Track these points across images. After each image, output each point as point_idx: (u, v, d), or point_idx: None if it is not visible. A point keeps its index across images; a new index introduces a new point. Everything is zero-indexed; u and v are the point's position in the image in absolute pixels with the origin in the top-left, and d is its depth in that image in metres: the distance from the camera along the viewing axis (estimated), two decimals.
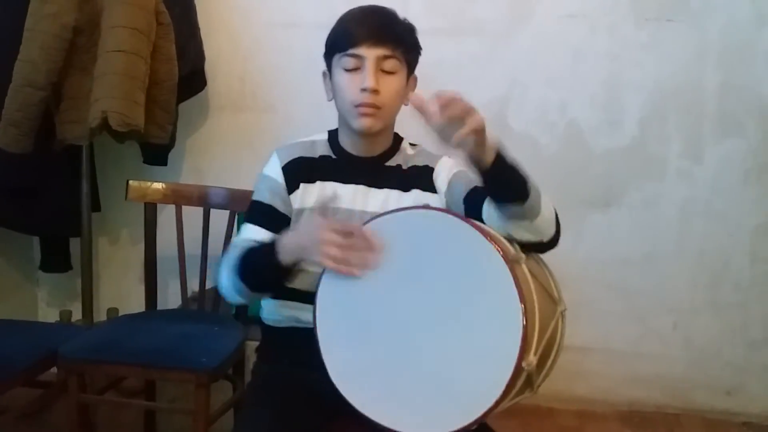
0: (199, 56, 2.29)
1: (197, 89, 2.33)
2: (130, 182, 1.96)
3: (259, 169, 1.39)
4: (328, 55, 1.33)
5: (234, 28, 2.40)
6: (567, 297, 1.25)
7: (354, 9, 1.33)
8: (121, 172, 2.29)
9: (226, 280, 1.29)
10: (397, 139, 1.41)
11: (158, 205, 1.99)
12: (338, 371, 1.14)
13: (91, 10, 1.99)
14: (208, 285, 1.97)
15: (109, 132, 2.06)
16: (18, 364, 1.62)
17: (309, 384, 1.24)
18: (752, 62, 2.29)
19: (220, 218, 1.93)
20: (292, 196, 1.35)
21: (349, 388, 1.13)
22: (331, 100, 1.35)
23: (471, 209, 1.27)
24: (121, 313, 2.32)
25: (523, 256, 1.13)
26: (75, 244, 2.38)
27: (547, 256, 1.29)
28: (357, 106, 1.28)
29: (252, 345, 1.53)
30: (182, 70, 2.17)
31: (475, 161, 1.11)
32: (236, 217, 1.93)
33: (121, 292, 2.54)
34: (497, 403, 1.02)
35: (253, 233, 1.32)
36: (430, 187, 1.36)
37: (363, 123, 1.29)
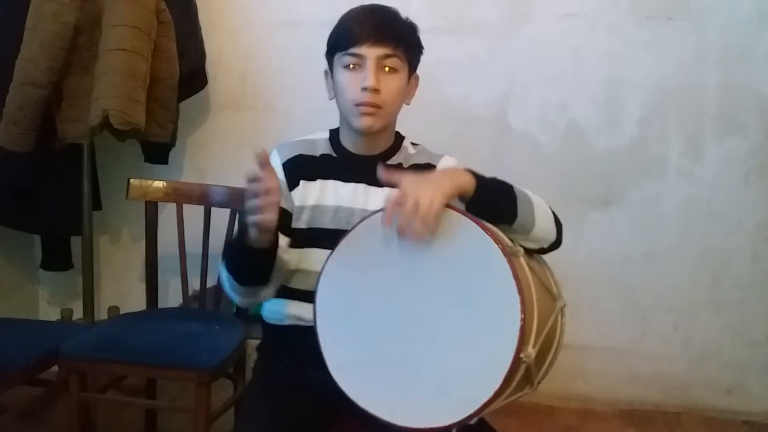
0: (200, 55, 2.29)
1: (198, 88, 2.33)
2: (131, 181, 1.97)
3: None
4: (330, 54, 1.33)
5: (235, 26, 2.41)
6: (567, 296, 1.25)
7: (355, 8, 1.33)
8: (122, 171, 2.30)
9: (223, 277, 1.29)
10: (399, 138, 1.41)
11: (159, 204, 1.99)
12: (337, 366, 1.15)
13: (91, 9, 1.99)
14: (209, 283, 1.97)
15: (110, 130, 2.06)
16: (19, 363, 1.62)
17: (310, 382, 1.24)
18: (752, 61, 2.29)
19: (221, 217, 1.93)
20: (293, 193, 1.35)
21: (348, 383, 1.13)
22: (332, 98, 1.36)
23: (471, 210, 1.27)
24: (122, 312, 2.33)
25: (521, 249, 1.14)
26: (76, 243, 2.38)
27: (547, 255, 1.30)
28: (357, 105, 1.28)
29: (253, 343, 1.54)
30: (183, 68, 2.17)
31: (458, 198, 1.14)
32: (237, 215, 1.93)
33: (122, 290, 2.54)
34: (496, 395, 1.02)
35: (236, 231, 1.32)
36: None
37: (363, 122, 1.29)
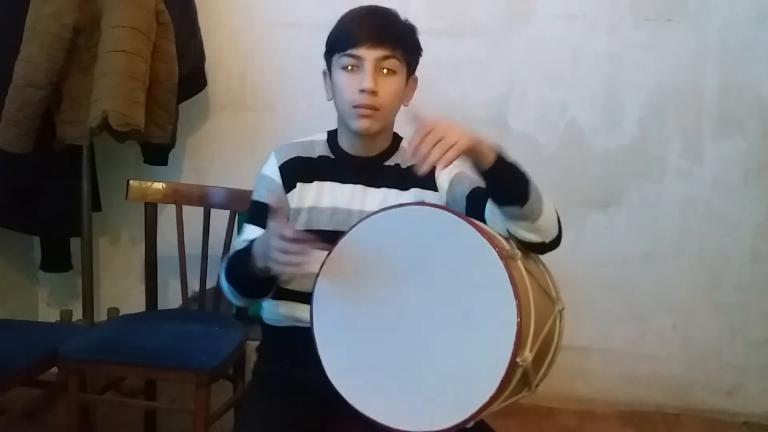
0: (200, 56, 2.29)
1: (197, 89, 2.33)
2: (131, 182, 1.97)
3: (259, 169, 1.40)
4: (328, 55, 1.33)
5: (234, 27, 2.41)
6: (566, 297, 1.25)
7: (354, 9, 1.33)
8: (122, 172, 2.29)
9: (223, 283, 1.31)
10: (396, 139, 1.41)
11: (159, 205, 1.99)
12: (335, 369, 1.15)
13: (91, 10, 1.99)
14: (209, 285, 1.97)
15: (110, 132, 2.06)
16: (18, 364, 1.62)
17: (310, 383, 1.24)
18: (752, 62, 2.29)
19: (220, 218, 1.93)
20: (289, 195, 1.35)
21: (345, 386, 1.13)
22: (330, 99, 1.35)
23: (473, 208, 1.27)
24: (121, 313, 2.32)
25: (518, 252, 1.13)
26: (75, 244, 2.38)
27: (546, 256, 1.29)
28: (355, 107, 1.28)
29: (252, 345, 1.54)
30: (182, 69, 2.17)
31: (475, 165, 1.12)
32: (236, 216, 1.93)
33: (121, 291, 2.54)
34: (492, 399, 1.02)
35: (252, 234, 1.31)
36: (430, 185, 1.36)
37: (361, 124, 1.29)
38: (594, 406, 2.43)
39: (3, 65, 1.96)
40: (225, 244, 1.89)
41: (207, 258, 1.95)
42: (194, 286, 2.01)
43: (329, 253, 1.17)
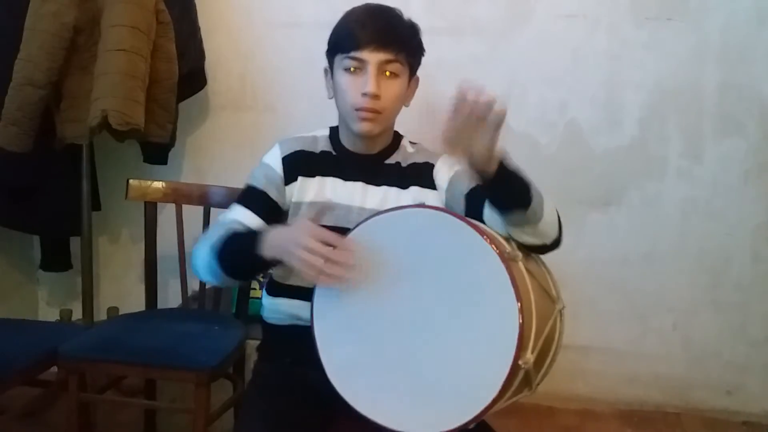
0: (200, 55, 2.29)
1: (197, 88, 2.33)
2: (131, 181, 1.97)
3: (261, 157, 1.40)
4: (330, 54, 1.33)
5: (234, 27, 2.40)
6: (567, 296, 1.25)
7: (358, 8, 1.32)
8: (122, 171, 2.29)
9: (201, 258, 1.27)
10: (397, 137, 1.41)
11: (158, 204, 1.99)
12: (335, 369, 1.15)
13: (91, 9, 1.99)
14: (209, 284, 1.97)
15: (109, 131, 2.06)
16: (18, 363, 1.62)
17: (310, 382, 1.24)
18: (752, 61, 2.29)
19: None
20: (289, 188, 1.35)
21: (345, 386, 1.13)
22: (331, 98, 1.35)
23: (472, 207, 1.27)
24: (121, 312, 2.33)
25: (519, 254, 1.13)
26: (75, 243, 2.38)
27: (546, 256, 1.29)
28: (357, 110, 1.28)
29: (252, 344, 1.54)
30: (182, 69, 2.17)
31: (479, 170, 1.10)
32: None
33: (121, 291, 2.54)
34: (494, 401, 1.02)
35: (241, 215, 1.32)
36: (429, 184, 1.36)
37: (363, 127, 1.29)
38: (594, 405, 2.43)
39: (3, 64, 1.96)
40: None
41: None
42: (194, 285, 2.01)
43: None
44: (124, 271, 2.56)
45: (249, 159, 2.23)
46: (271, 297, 1.38)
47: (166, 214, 2.08)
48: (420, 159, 1.39)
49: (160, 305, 2.02)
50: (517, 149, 2.40)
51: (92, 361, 1.63)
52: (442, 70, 2.24)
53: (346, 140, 1.38)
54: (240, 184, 1.89)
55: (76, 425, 1.64)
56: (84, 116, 2.00)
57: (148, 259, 1.97)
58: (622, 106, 2.34)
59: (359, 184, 1.35)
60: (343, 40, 1.29)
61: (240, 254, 1.23)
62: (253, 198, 1.34)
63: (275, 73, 2.41)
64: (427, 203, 1.30)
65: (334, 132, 1.41)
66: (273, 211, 1.33)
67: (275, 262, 1.18)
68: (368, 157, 1.37)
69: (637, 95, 2.33)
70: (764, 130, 2.31)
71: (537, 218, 1.17)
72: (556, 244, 1.25)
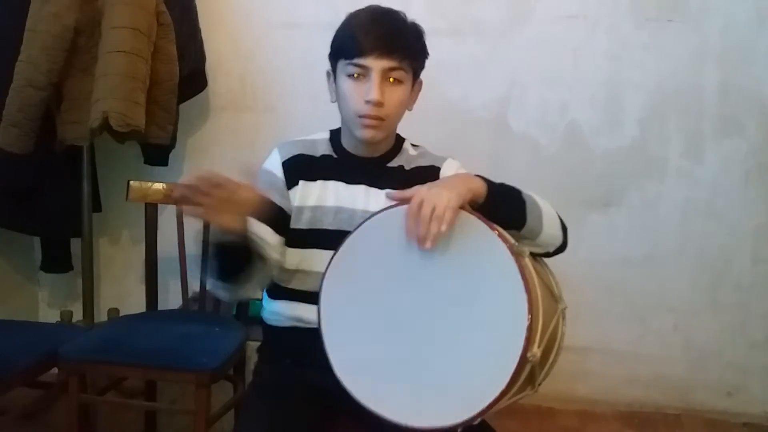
0: (200, 56, 2.29)
1: (198, 89, 2.33)
2: (131, 183, 1.97)
3: (261, 164, 1.39)
4: (333, 59, 1.32)
5: (235, 28, 2.41)
6: (567, 297, 1.25)
7: (362, 12, 1.30)
8: (122, 173, 2.29)
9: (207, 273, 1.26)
10: (399, 140, 1.41)
11: (159, 206, 1.99)
12: (343, 366, 1.14)
13: (91, 11, 1.99)
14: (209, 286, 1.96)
15: (110, 132, 2.06)
16: (18, 365, 1.62)
17: (311, 384, 1.24)
18: (752, 62, 2.29)
19: None
20: (291, 192, 1.34)
21: (353, 383, 1.13)
22: (334, 101, 1.35)
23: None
24: (121, 314, 2.32)
25: (525, 250, 1.13)
26: (76, 245, 2.38)
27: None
28: (361, 117, 1.27)
29: (253, 345, 1.54)
30: (183, 70, 2.17)
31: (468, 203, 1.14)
32: None
33: (121, 292, 2.54)
34: (502, 394, 1.02)
35: None
36: None
37: (366, 134, 1.28)
38: (594, 406, 2.43)
39: (3, 66, 1.96)
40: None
41: (207, 258, 1.94)
42: (194, 286, 2.01)
43: (335, 253, 1.16)
44: (124, 272, 2.56)
45: (249, 160, 2.23)
46: (271, 299, 1.38)
47: (167, 215, 2.08)
48: (424, 162, 1.38)
49: (161, 307, 2.02)
50: (517, 150, 2.43)
51: (93, 362, 1.63)
52: (442, 72, 2.26)
53: (347, 143, 1.37)
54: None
55: (76, 427, 1.64)
56: (85, 118, 2.00)
57: (149, 260, 1.97)
58: (622, 106, 2.34)
59: (362, 187, 1.34)
60: (347, 46, 1.27)
61: (214, 251, 1.20)
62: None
63: (275, 73, 2.41)
64: None
65: (334, 135, 1.40)
66: (283, 220, 1.32)
67: (229, 241, 1.15)
68: (370, 161, 1.36)
69: (637, 96, 2.33)
70: (764, 130, 2.31)
71: (534, 234, 1.19)
72: (560, 250, 1.27)
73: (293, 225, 1.33)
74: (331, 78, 1.34)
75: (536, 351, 1.05)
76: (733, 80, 2.30)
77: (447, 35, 2.32)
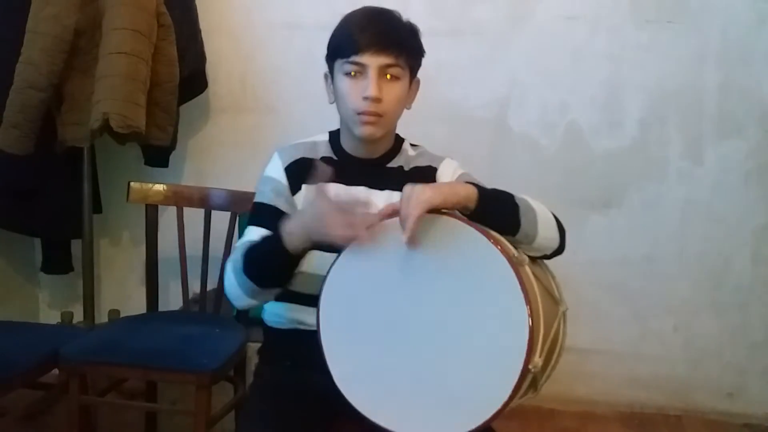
0: (200, 58, 2.29)
1: (198, 91, 2.33)
2: (132, 184, 1.97)
3: (261, 171, 1.39)
4: (330, 59, 1.32)
5: (235, 29, 2.41)
6: (567, 298, 1.25)
7: (357, 12, 1.31)
8: (123, 174, 2.29)
9: (232, 282, 1.26)
10: (399, 141, 1.41)
11: (159, 207, 1.99)
12: (342, 375, 1.14)
13: (92, 12, 1.99)
14: (210, 286, 1.97)
15: (110, 134, 2.06)
16: (19, 366, 1.62)
17: (311, 386, 1.24)
18: (752, 63, 2.29)
19: (221, 220, 1.93)
20: (296, 197, 1.35)
21: (353, 393, 1.12)
22: (332, 102, 1.35)
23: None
24: (122, 315, 2.32)
25: (526, 258, 1.13)
26: (76, 246, 2.38)
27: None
28: (359, 113, 1.27)
29: (253, 347, 1.54)
30: (183, 71, 2.17)
31: (459, 210, 1.14)
32: (237, 218, 1.93)
33: (122, 293, 2.54)
34: (504, 406, 1.01)
35: (257, 235, 1.30)
36: None
37: (365, 131, 1.29)
38: (595, 407, 2.43)
39: (4, 67, 1.96)
40: (226, 246, 1.89)
41: (208, 260, 1.95)
42: (195, 287, 2.01)
43: (336, 259, 1.16)
44: (125, 273, 2.56)
45: (250, 161, 2.24)
46: (272, 301, 1.38)
47: (167, 216, 2.08)
48: (423, 162, 1.39)
49: (161, 308, 2.02)
50: (517, 151, 2.43)
51: (93, 363, 1.63)
52: (442, 72, 2.27)
53: (347, 145, 1.37)
54: (241, 186, 1.91)
55: (77, 428, 1.64)
56: (85, 119, 2.00)
57: (149, 261, 1.97)
58: (622, 107, 2.34)
59: (362, 189, 1.34)
60: (343, 45, 1.28)
61: (266, 257, 1.21)
62: (264, 215, 1.32)
63: (276, 74, 2.41)
64: None
65: (334, 136, 1.40)
66: None
67: (304, 252, 1.18)
68: (370, 162, 1.37)
69: (637, 96, 2.33)
70: (764, 131, 2.31)
71: (530, 239, 1.19)
72: (558, 252, 1.27)
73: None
74: (329, 80, 1.34)
75: (538, 361, 1.05)
76: (733, 80, 2.30)
77: (447, 35, 2.32)
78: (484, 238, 1.06)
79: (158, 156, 2.35)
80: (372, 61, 1.25)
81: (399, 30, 1.29)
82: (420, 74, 1.37)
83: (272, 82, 2.42)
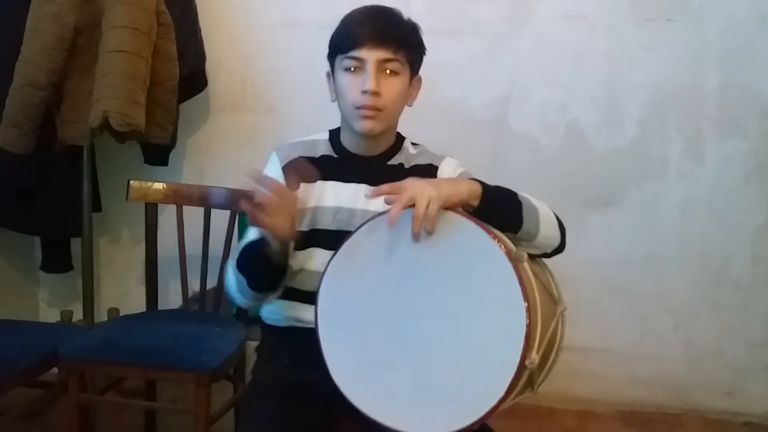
0: (200, 56, 2.29)
1: (198, 89, 2.33)
2: (131, 182, 1.97)
3: (260, 169, 1.39)
4: (331, 57, 1.33)
5: (235, 28, 2.41)
6: (567, 297, 1.25)
7: (357, 10, 1.32)
8: (122, 173, 2.29)
9: (231, 281, 1.30)
10: (399, 139, 1.41)
11: (159, 206, 1.99)
12: (340, 371, 1.14)
13: (92, 11, 1.99)
14: (209, 285, 1.97)
15: (110, 132, 2.06)
16: (18, 365, 1.62)
17: (310, 384, 1.24)
18: (752, 62, 2.29)
19: (220, 218, 1.93)
20: None
21: (351, 388, 1.13)
22: (334, 101, 1.35)
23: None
24: (121, 314, 2.33)
25: (524, 254, 1.13)
26: (76, 245, 2.38)
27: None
28: (358, 108, 1.28)
29: (252, 345, 1.53)
30: (183, 70, 2.17)
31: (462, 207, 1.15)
32: (237, 217, 1.93)
33: (121, 292, 2.54)
34: (500, 401, 1.02)
35: (257, 236, 1.31)
36: None
37: (364, 125, 1.29)
38: (594, 406, 2.43)
39: (4, 66, 1.96)
40: (225, 245, 1.89)
41: (207, 258, 1.95)
42: (194, 286, 2.01)
43: (334, 254, 1.16)
44: (124, 272, 2.56)
45: (249, 159, 2.24)
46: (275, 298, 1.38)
47: (167, 215, 2.08)
48: (423, 161, 1.39)
49: (161, 306, 2.02)
50: (518, 151, 2.43)
51: (93, 362, 1.63)
52: (442, 72, 2.27)
53: (347, 142, 1.38)
54: (241, 185, 1.90)
55: (76, 426, 1.64)
56: (85, 117, 2.00)
57: (149, 260, 1.97)
58: (622, 106, 2.34)
59: (362, 186, 1.34)
60: (342, 41, 1.29)
61: (255, 258, 1.24)
62: None
63: (275, 74, 2.41)
64: None
65: (334, 134, 1.40)
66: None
67: (284, 255, 1.21)
68: (370, 159, 1.37)
69: (637, 96, 2.33)
70: (765, 130, 2.31)
71: (531, 236, 1.19)
72: (558, 250, 1.27)
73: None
74: (330, 78, 1.35)
75: (535, 357, 1.05)
76: (733, 80, 2.30)
77: (447, 35, 2.32)
78: (484, 233, 1.06)
79: (158, 154, 2.35)
80: (370, 55, 1.26)
81: (398, 25, 1.30)
82: (421, 73, 1.37)
83: (272, 82, 2.42)
